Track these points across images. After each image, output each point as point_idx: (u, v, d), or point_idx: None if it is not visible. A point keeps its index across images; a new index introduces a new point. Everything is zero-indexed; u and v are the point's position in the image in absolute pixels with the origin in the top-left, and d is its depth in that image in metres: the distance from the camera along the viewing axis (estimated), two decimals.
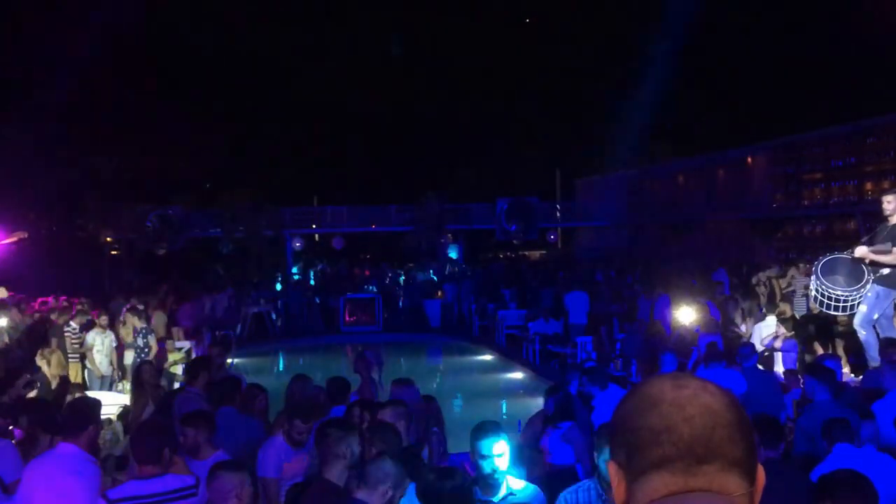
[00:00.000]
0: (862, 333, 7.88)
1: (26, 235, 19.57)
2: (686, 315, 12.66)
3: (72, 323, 13.02)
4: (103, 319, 13.18)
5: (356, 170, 41.65)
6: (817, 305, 8.28)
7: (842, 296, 7.74)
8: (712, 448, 1.11)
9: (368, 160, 42.83)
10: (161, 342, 13.55)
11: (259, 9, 43.36)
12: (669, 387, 1.16)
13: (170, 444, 4.09)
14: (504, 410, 14.09)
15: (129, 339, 13.08)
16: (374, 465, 3.72)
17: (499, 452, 3.83)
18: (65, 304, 15.62)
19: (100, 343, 12.61)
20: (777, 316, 11.45)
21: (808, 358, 10.38)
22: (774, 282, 16.27)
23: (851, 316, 8.02)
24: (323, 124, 44.13)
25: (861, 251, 7.59)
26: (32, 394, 9.85)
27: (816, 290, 7.98)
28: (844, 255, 7.98)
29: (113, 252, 26.01)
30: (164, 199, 24.90)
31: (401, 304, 24.76)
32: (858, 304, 7.72)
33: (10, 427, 8.75)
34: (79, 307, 14.63)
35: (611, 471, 1.19)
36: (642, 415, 1.15)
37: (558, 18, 43.23)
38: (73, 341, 12.77)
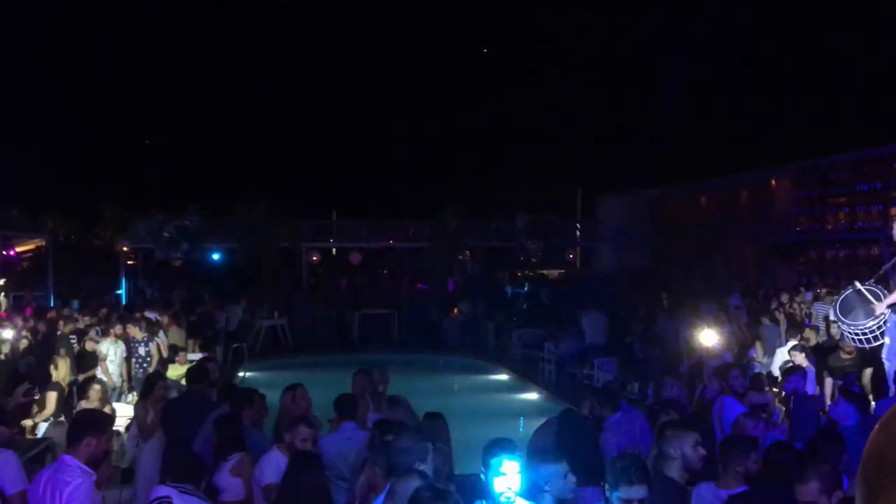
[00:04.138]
0: (887, 364, 7.79)
1: (44, 243, 19.68)
2: (709, 338, 12.38)
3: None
4: (117, 329, 13.11)
5: (374, 184, 41.70)
6: (856, 345, 8.23)
7: (868, 327, 7.63)
8: None
9: (387, 175, 42.87)
10: (174, 353, 13.43)
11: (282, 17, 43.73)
12: None
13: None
14: (517, 431, 13.80)
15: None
16: None
17: (511, 471, 3.78)
18: (66, 312, 15.61)
19: (112, 353, 12.52)
20: (801, 342, 11.19)
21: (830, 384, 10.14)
22: (797, 307, 15.99)
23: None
24: (343, 138, 44.32)
25: (880, 308, 7.53)
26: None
27: (848, 333, 7.90)
28: (851, 291, 7.91)
29: (129, 262, 26.04)
30: (181, 209, 24.88)
31: (417, 320, 24.57)
32: (882, 332, 7.59)
33: (16, 435, 8.64)
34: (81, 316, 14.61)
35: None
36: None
37: (578, 35, 43.20)
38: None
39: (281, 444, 5.53)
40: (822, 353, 11.01)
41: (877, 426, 1.07)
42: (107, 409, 9.36)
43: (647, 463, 4.31)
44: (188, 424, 6.75)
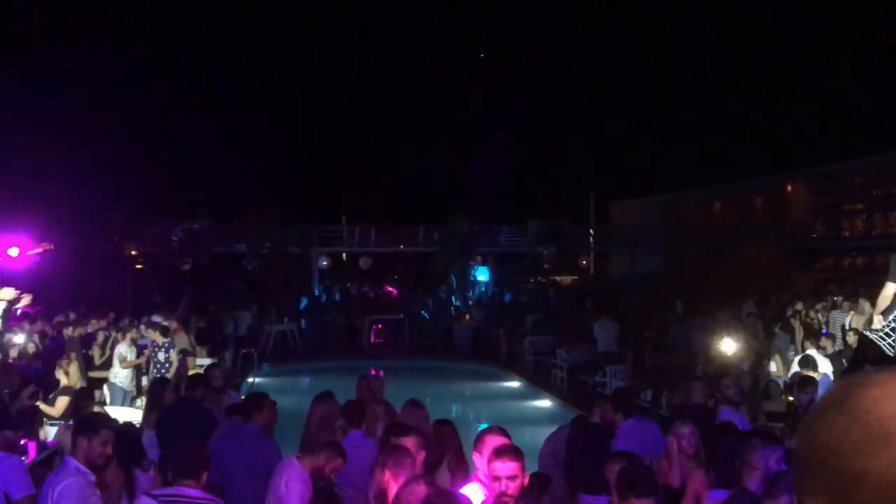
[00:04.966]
0: None
1: (52, 247, 19.55)
2: (729, 347, 12.19)
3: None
4: (133, 333, 13.11)
5: (385, 189, 41.58)
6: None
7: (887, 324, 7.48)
8: None
9: (398, 179, 42.78)
10: (184, 357, 13.33)
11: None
12: None
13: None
14: (528, 439, 13.61)
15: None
16: None
17: (512, 475, 3.74)
18: (74, 316, 15.55)
19: (130, 357, 12.51)
20: (818, 351, 11.05)
21: None
22: (813, 314, 15.80)
23: None
24: (353, 142, 44.30)
25: (877, 320, 7.46)
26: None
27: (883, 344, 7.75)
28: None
29: (138, 266, 25.97)
30: (190, 213, 24.75)
31: (428, 327, 24.42)
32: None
33: (23, 441, 8.52)
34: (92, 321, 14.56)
35: None
36: (866, 452, 0.78)
37: (596, 43, 43.10)
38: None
39: (304, 458, 5.27)
40: (839, 363, 10.85)
41: (799, 426, 0.93)
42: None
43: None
44: (179, 431, 6.71)
